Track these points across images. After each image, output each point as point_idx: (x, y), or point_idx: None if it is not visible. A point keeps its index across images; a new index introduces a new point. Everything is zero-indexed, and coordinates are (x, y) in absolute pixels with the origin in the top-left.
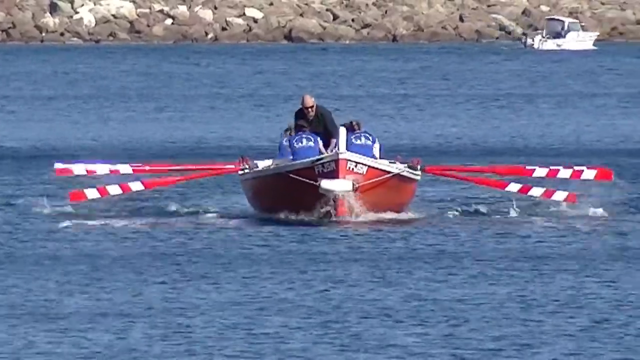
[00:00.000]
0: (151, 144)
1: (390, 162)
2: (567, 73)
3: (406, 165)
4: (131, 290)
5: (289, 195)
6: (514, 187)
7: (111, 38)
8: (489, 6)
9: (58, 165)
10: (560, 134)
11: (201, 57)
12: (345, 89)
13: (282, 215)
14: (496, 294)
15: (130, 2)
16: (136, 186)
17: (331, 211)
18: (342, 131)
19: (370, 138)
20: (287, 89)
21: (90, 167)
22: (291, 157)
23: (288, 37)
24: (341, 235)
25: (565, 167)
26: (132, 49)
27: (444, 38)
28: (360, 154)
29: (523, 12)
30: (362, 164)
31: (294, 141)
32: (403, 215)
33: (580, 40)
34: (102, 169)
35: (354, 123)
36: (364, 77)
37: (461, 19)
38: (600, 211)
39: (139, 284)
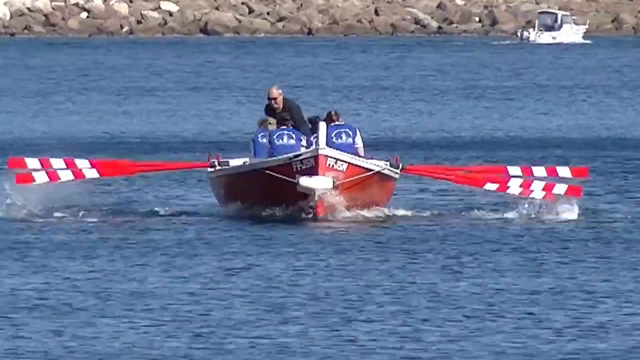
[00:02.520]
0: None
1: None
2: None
3: (387, 162)
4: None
5: (266, 193)
6: (491, 187)
7: (26, 31)
8: (403, 0)
9: (11, 158)
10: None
11: (118, 49)
12: (255, 82)
13: (258, 213)
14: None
15: None
16: (91, 174)
17: (311, 210)
18: (322, 126)
19: (351, 133)
20: (197, 83)
21: (45, 160)
22: (270, 154)
23: (204, 30)
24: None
25: (543, 166)
26: (46, 43)
27: (359, 31)
28: (341, 150)
29: (438, 6)
30: (343, 160)
31: (275, 137)
32: (383, 213)
33: (574, 33)
34: (57, 162)
35: (332, 113)
36: (275, 69)
37: (376, 13)
38: (576, 209)
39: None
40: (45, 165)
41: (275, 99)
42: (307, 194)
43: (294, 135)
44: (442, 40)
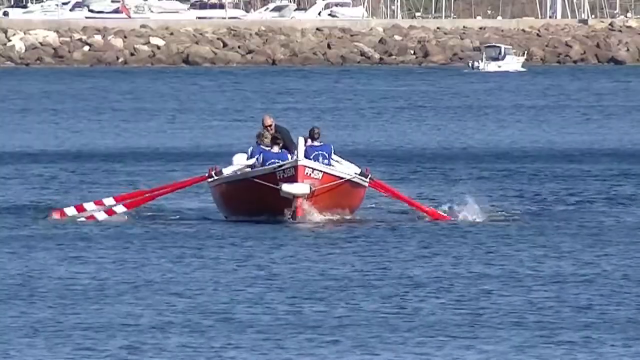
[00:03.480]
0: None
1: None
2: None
3: (358, 172)
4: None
5: (254, 199)
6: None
7: (38, 62)
8: (351, 35)
9: (54, 213)
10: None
11: (115, 76)
12: (223, 104)
13: (248, 217)
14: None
15: (54, 32)
16: (119, 209)
17: (291, 212)
18: (301, 140)
19: (327, 155)
20: (181, 104)
21: (79, 206)
22: (261, 162)
23: (186, 61)
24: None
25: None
26: (55, 71)
27: (314, 62)
28: (323, 152)
29: (380, 41)
30: (318, 170)
31: (265, 151)
32: (353, 216)
33: (516, 62)
34: (89, 205)
35: (314, 129)
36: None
37: (329, 46)
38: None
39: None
40: (80, 211)
41: (269, 126)
42: (288, 198)
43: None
44: (384, 69)
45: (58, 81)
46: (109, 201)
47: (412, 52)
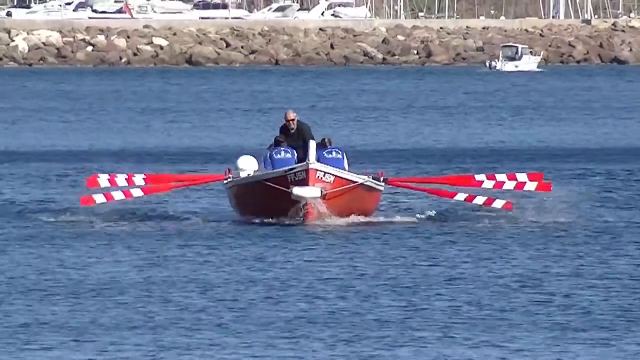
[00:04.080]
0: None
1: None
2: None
3: (371, 176)
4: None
5: (266, 201)
6: (461, 197)
7: (41, 62)
8: (354, 36)
9: (89, 179)
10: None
11: (117, 76)
12: (230, 104)
13: (260, 219)
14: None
15: (57, 32)
16: (137, 192)
17: (302, 216)
18: (312, 144)
19: (340, 153)
20: (186, 105)
21: (113, 175)
22: (270, 167)
23: (189, 61)
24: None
25: (505, 174)
26: (59, 71)
27: (317, 62)
28: (331, 165)
29: (383, 41)
30: (330, 173)
31: (273, 153)
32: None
33: (532, 63)
34: (121, 178)
35: (326, 140)
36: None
37: (332, 47)
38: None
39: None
40: (112, 183)
41: (292, 120)
42: (298, 201)
43: (289, 151)
44: (386, 69)
45: (61, 81)
46: (138, 178)
47: (415, 52)
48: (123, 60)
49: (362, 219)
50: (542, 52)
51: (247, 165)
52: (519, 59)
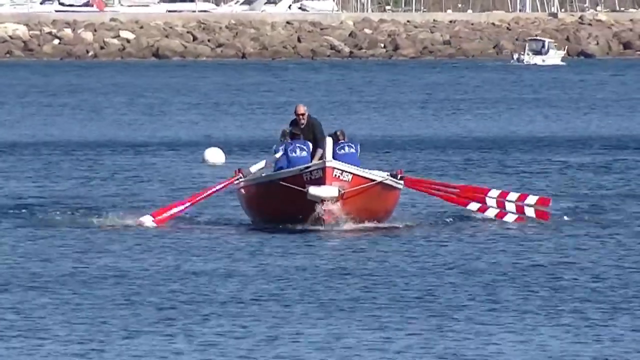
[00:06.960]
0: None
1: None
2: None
3: (389, 174)
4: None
5: (280, 202)
6: (473, 207)
7: (8, 55)
8: (322, 29)
9: (156, 217)
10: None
11: (84, 70)
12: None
13: (274, 222)
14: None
15: (24, 25)
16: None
17: (319, 217)
18: (329, 141)
19: (353, 147)
20: (151, 98)
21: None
22: (287, 165)
23: (156, 54)
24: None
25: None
26: (25, 65)
27: (284, 55)
28: (345, 161)
29: (350, 34)
30: (348, 172)
31: (289, 150)
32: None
33: (558, 57)
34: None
35: (338, 132)
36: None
37: (299, 40)
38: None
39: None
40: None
41: (302, 114)
42: (315, 201)
43: (305, 148)
44: (354, 62)
45: (28, 75)
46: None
47: (382, 45)
48: (90, 53)
49: (382, 218)
50: (565, 47)
51: (215, 158)
52: (546, 53)
